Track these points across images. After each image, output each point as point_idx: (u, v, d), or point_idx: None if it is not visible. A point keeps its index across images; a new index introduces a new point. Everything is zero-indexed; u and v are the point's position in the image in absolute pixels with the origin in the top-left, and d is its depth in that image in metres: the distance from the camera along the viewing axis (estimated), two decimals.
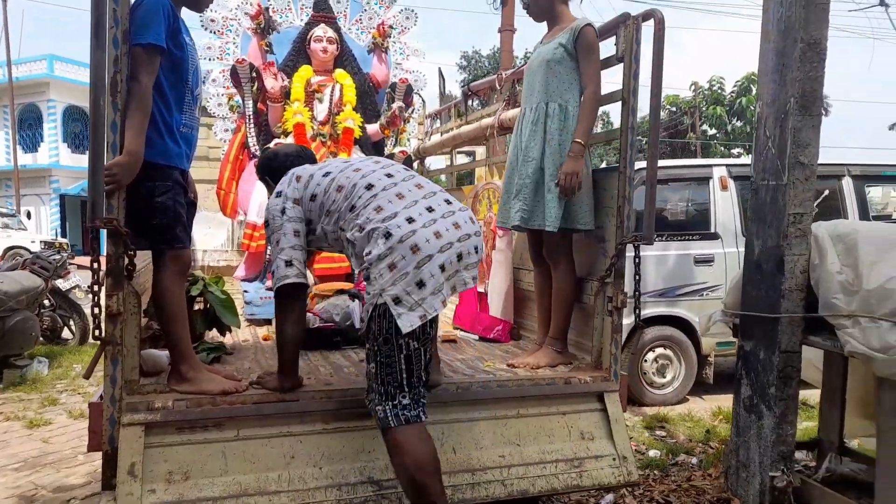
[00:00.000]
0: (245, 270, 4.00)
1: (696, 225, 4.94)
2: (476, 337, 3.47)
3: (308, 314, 3.03)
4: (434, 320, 2.02)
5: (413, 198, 2.00)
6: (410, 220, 1.92)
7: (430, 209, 1.98)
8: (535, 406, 2.49)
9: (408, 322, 1.88)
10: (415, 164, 5.53)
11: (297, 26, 4.32)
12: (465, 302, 3.77)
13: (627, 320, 4.18)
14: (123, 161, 1.95)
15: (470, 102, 4.41)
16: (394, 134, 4.20)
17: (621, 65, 2.64)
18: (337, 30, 4.21)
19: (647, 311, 4.80)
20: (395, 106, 4.10)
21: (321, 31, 4.11)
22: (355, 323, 3.18)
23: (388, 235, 1.89)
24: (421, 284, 1.88)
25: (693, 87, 21.92)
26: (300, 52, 4.20)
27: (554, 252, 2.82)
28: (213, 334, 2.99)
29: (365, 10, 4.52)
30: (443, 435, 2.32)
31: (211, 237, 4.90)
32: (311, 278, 3.65)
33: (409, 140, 4.63)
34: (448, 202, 2.06)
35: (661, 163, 5.24)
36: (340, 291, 3.43)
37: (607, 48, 2.71)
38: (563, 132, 2.69)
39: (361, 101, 4.22)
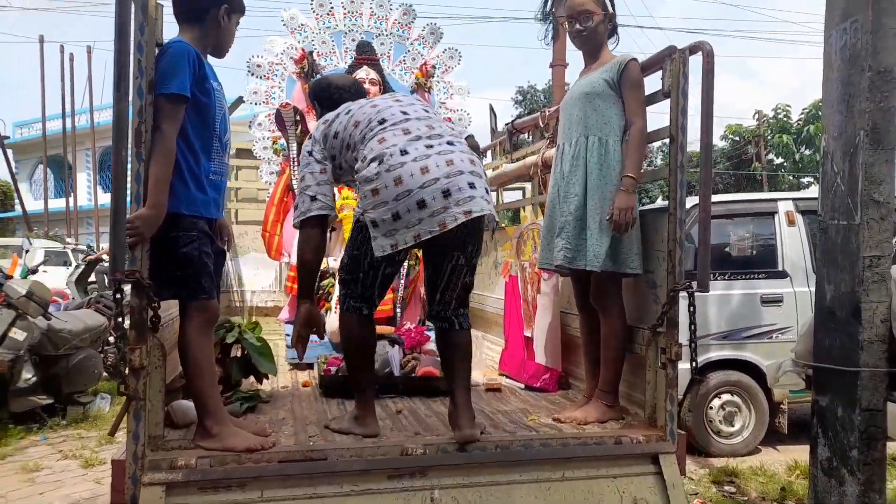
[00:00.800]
0: (289, 313, 3.96)
1: (763, 262, 4.66)
2: (522, 385, 3.29)
3: (343, 363, 2.94)
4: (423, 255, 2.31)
5: (417, 135, 2.13)
6: (404, 153, 2.06)
7: (428, 146, 2.10)
8: (583, 468, 2.28)
9: (379, 246, 2.10)
10: None
11: (341, 69, 4.33)
12: (512, 347, 3.60)
13: (688, 364, 3.93)
14: (146, 213, 1.91)
15: (515, 140, 4.30)
16: None
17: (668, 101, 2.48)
18: (379, 71, 4.20)
19: (711, 355, 4.52)
20: None
21: (363, 73, 4.10)
22: (394, 371, 3.07)
23: (380, 161, 2.06)
24: (396, 217, 2.04)
25: (757, 116, 21.21)
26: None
27: (601, 296, 2.64)
28: (250, 381, 2.92)
29: (408, 51, 4.51)
30: (479, 499, 2.15)
31: (259, 278, 4.91)
32: None
33: None
34: (451, 143, 2.16)
35: (722, 197, 5.01)
36: (380, 336, 3.33)
37: (652, 83, 2.56)
38: (604, 167, 2.55)
39: None
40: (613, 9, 2.71)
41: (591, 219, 2.55)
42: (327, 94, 2.58)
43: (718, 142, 23.20)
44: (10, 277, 5.11)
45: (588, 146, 2.59)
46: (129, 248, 1.90)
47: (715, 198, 5.01)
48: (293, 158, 4.03)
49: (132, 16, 1.91)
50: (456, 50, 4.60)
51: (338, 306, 3.42)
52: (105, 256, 6.17)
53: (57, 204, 21.14)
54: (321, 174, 2.28)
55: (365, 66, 4.14)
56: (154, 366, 1.99)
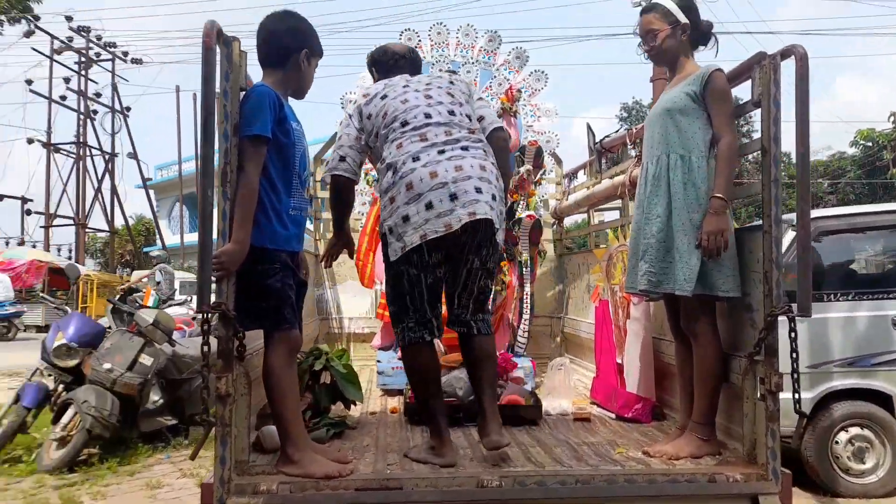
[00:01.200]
0: (381, 339, 4.04)
1: (895, 281, 4.21)
2: (613, 415, 3.15)
3: None
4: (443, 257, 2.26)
5: (433, 142, 2.22)
6: (416, 160, 2.19)
7: (441, 152, 2.20)
8: None
9: (392, 251, 2.23)
10: (553, 226, 5.37)
11: None
12: (603, 374, 3.47)
13: (808, 394, 3.58)
14: (231, 249, 2.02)
15: (605, 159, 4.18)
16: (523, 198, 4.07)
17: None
18: None
19: (835, 384, 4.10)
20: (522, 170, 3.99)
21: None
22: None
23: (394, 171, 2.21)
24: (406, 219, 2.17)
25: (893, 118, 19.36)
26: None
27: (692, 322, 2.48)
28: (338, 407, 2.99)
29: (494, 77, 4.52)
30: None
31: (356, 305, 5.06)
32: (440, 346, 3.58)
33: (539, 203, 4.48)
34: (465, 149, 2.24)
35: (848, 210, 4.59)
36: None
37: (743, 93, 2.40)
38: (688, 185, 2.42)
39: None
40: (692, 16, 2.58)
41: (678, 240, 2.42)
42: (384, 59, 2.68)
43: (848, 148, 21.38)
44: (145, 307, 5.58)
45: (670, 164, 2.47)
46: (216, 281, 2.01)
47: (840, 210, 4.62)
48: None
49: (217, 65, 2.05)
50: (542, 72, 4.56)
51: None
52: (136, 284, 6.56)
53: (192, 238, 23.02)
54: (356, 141, 2.42)
55: None
56: (240, 393, 2.09)
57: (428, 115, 2.29)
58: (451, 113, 2.34)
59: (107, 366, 4.81)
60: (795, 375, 2.21)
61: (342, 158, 2.42)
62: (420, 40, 4.55)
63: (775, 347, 2.25)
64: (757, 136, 2.46)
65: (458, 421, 2.92)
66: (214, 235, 2.01)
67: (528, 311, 3.90)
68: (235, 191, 2.06)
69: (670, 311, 2.67)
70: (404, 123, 2.28)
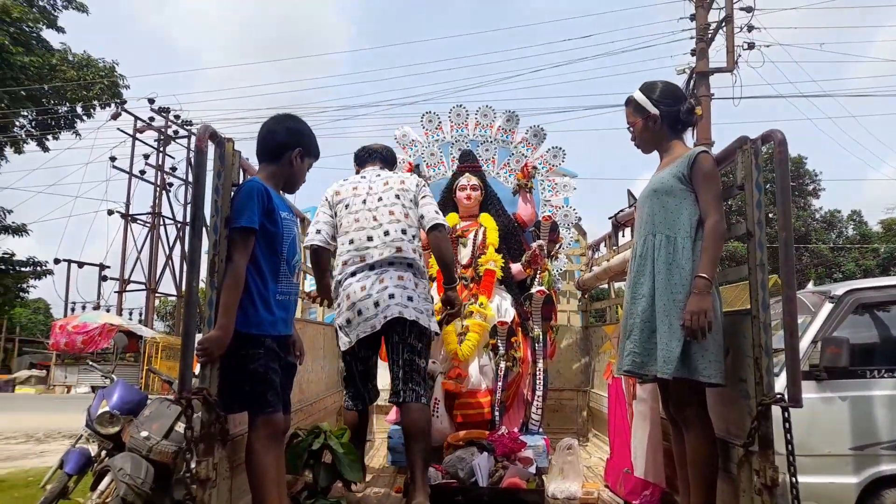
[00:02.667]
0: (395, 413, 4.02)
1: None
2: (621, 501, 2.99)
3: (430, 468, 2.90)
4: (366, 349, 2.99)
5: (368, 261, 2.87)
6: (353, 275, 2.88)
7: (371, 267, 2.87)
8: None
9: (341, 343, 2.96)
10: (579, 298, 5.29)
11: (447, 178, 4.53)
12: (616, 456, 3.33)
13: (853, 479, 3.29)
14: (214, 335, 2.10)
15: (620, 233, 4.14)
16: (537, 273, 4.05)
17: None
18: (481, 177, 4.32)
19: (882, 468, 3.72)
20: (534, 245, 3.99)
21: (465, 180, 4.25)
22: (479, 480, 2.95)
23: (338, 284, 2.93)
24: (348, 322, 2.87)
25: None
26: (447, 201, 4.36)
27: (680, 407, 2.39)
28: (339, 487, 2.97)
29: (512, 154, 4.60)
30: None
31: (379, 377, 5.06)
32: (446, 423, 3.54)
33: (556, 277, 4.44)
34: (391, 263, 2.87)
35: (889, 281, 4.30)
36: (471, 442, 3.25)
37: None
38: (673, 266, 2.37)
39: (506, 242, 4.19)
40: (665, 105, 2.54)
41: (659, 321, 2.35)
42: (362, 154, 3.27)
43: None
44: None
45: (656, 244, 2.44)
46: (200, 367, 2.08)
47: (882, 281, 4.32)
48: None
49: (217, 161, 2.19)
50: (560, 149, 4.61)
51: (435, 409, 3.44)
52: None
53: None
54: (330, 218, 3.05)
55: (467, 174, 4.29)
56: (222, 477, 2.12)
57: (370, 238, 2.91)
58: (387, 233, 2.91)
59: (144, 433, 4.93)
60: (792, 469, 2.07)
61: (318, 231, 3.04)
62: (441, 122, 4.71)
63: (770, 438, 2.13)
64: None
65: None
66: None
67: (542, 387, 3.82)
68: (222, 279, 2.15)
69: (662, 393, 2.57)
70: (351, 241, 2.94)
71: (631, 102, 2.60)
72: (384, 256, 2.85)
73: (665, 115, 2.53)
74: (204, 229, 2.16)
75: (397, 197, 2.98)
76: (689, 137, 2.66)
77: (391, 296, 2.80)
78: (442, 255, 2.95)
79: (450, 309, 3.09)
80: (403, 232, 2.92)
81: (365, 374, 3.05)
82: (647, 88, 2.58)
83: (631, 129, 2.63)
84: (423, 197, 3.03)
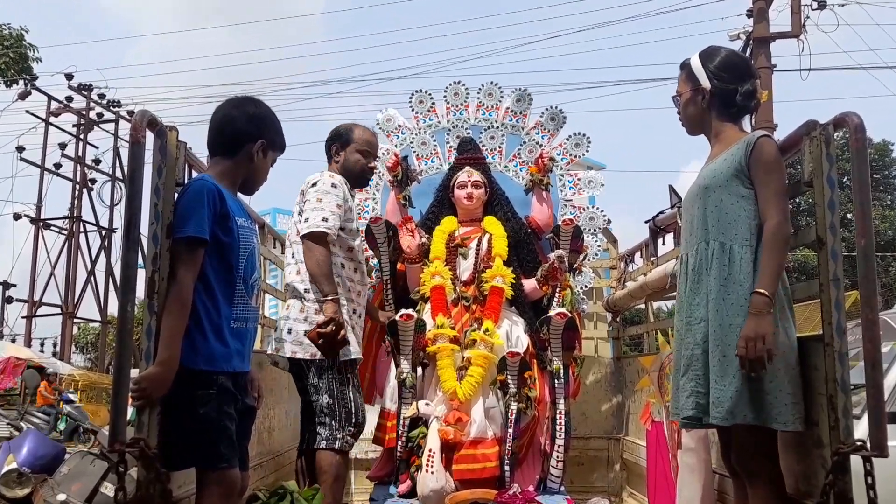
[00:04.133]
0: (377, 468, 4.03)
1: None
2: None
3: None
4: None
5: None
6: None
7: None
8: None
9: None
10: (609, 321, 5.32)
11: (443, 172, 4.57)
12: None
13: None
14: (154, 372, 2.12)
15: (660, 240, 4.19)
16: (556, 291, 4.08)
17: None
18: (485, 171, 4.36)
19: None
20: (552, 256, 4.03)
21: (465, 175, 4.28)
22: None
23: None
24: None
25: None
26: (443, 202, 4.40)
27: (742, 459, 2.43)
28: None
29: (524, 143, 4.64)
30: None
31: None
32: (444, 481, 3.55)
33: (580, 297, 4.47)
34: (286, 290, 3.46)
35: None
36: None
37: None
38: (728, 282, 2.41)
39: (517, 252, 4.23)
40: (724, 80, 2.57)
41: (711, 352, 2.38)
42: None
43: None
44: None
45: (710, 254, 2.47)
46: (136, 411, 2.10)
47: None
48: (386, 280, 4.24)
49: (151, 156, 2.22)
50: (583, 135, 4.66)
51: (429, 463, 3.46)
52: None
53: None
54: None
55: (467, 167, 4.32)
56: None
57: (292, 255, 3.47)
58: (292, 255, 3.48)
59: (61, 497, 4.94)
60: None
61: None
62: (434, 102, 4.75)
63: (848, 496, 2.15)
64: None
65: None
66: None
67: (563, 435, 3.83)
68: (164, 302, 2.18)
69: (722, 440, 2.60)
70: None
71: (685, 67, 2.65)
72: (286, 282, 3.42)
73: (718, 92, 2.56)
74: (141, 240, 2.18)
75: (300, 210, 3.40)
76: (748, 123, 2.70)
77: (275, 329, 3.38)
78: (309, 271, 3.29)
79: (320, 329, 3.11)
80: (293, 256, 3.43)
81: (302, 412, 3.36)
82: (706, 55, 2.62)
83: (678, 98, 2.66)
84: (307, 201, 3.36)
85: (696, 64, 2.61)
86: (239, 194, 2.54)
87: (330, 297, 3.16)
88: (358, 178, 3.66)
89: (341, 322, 3.14)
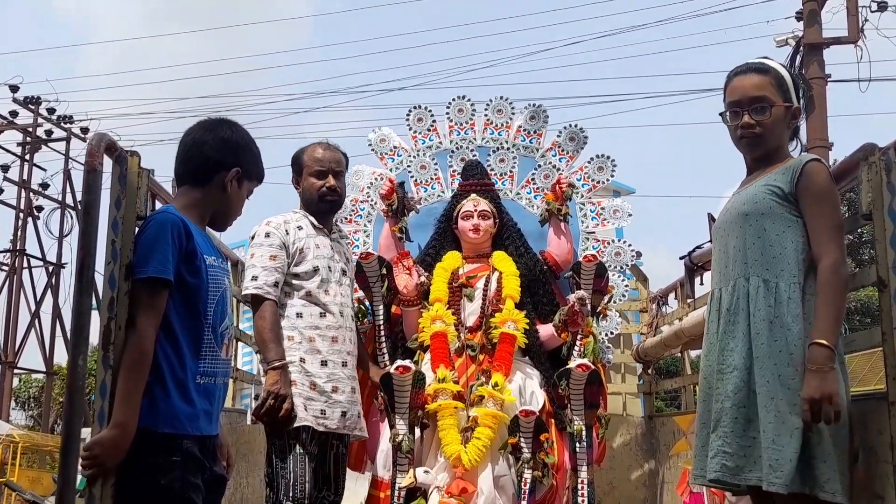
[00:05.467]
0: None
1: None
2: None
3: None
4: None
5: None
6: None
7: None
8: None
9: None
10: (639, 374, 5.32)
11: (446, 200, 4.61)
12: None
13: None
14: (108, 437, 2.12)
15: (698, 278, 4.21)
16: (577, 338, 4.09)
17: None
18: (493, 199, 4.40)
19: None
20: (572, 298, 4.03)
21: (471, 204, 4.31)
22: None
23: None
24: None
25: None
26: (445, 235, 4.43)
27: None
28: None
29: (539, 167, 4.69)
30: None
31: (352, 496, 5.04)
32: None
33: (604, 345, 4.48)
34: None
35: None
36: None
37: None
38: (775, 326, 2.43)
39: (531, 293, 4.25)
40: (802, 100, 2.68)
41: (763, 407, 2.39)
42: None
43: None
44: None
45: (750, 293, 2.49)
46: (87, 481, 2.11)
47: None
48: (379, 326, 4.25)
49: (110, 185, 2.26)
50: (607, 158, 4.70)
51: None
52: None
53: None
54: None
55: (473, 195, 4.37)
56: None
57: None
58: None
59: None
60: None
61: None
62: (435, 121, 4.81)
63: None
64: None
65: None
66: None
67: None
68: (121, 354, 2.19)
69: None
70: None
71: (773, 73, 2.65)
72: None
73: (799, 114, 2.66)
74: (96, 281, 2.21)
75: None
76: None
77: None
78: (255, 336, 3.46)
79: (260, 401, 3.26)
80: None
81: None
82: (787, 69, 2.70)
83: (758, 106, 2.62)
84: (252, 256, 3.50)
85: (786, 74, 2.65)
86: (209, 229, 2.57)
87: (271, 366, 3.26)
88: (318, 205, 3.66)
89: (283, 394, 3.22)
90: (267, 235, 3.48)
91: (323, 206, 3.66)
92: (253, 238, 3.52)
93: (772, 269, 2.49)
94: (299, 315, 3.47)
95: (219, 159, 2.50)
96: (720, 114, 2.73)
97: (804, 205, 2.48)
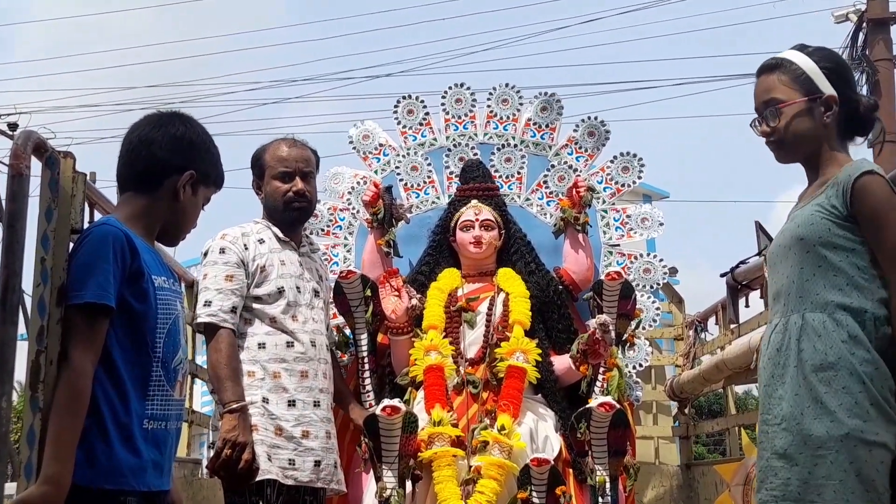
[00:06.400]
0: None
1: None
2: None
3: None
4: None
5: None
6: None
7: None
8: None
9: None
10: (672, 410, 5.30)
11: (441, 207, 4.60)
12: None
13: None
14: (37, 495, 2.10)
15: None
16: (599, 372, 4.08)
17: None
18: (498, 206, 4.40)
19: None
20: (593, 323, 4.02)
21: (472, 212, 4.30)
22: None
23: None
24: None
25: None
26: (441, 249, 4.42)
27: None
28: None
29: (553, 167, 4.68)
30: None
31: None
32: None
33: (631, 380, 4.47)
34: None
35: None
36: None
37: None
38: (834, 372, 2.40)
39: (544, 319, 4.25)
40: (845, 89, 2.64)
41: (843, 471, 2.37)
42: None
43: None
44: None
45: (802, 331, 2.49)
46: None
47: None
48: (363, 358, 4.24)
49: (39, 192, 2.25)
50: (633, 156, 4.71)
51: None
52: None
53: None
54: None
55: (474, 201, 4.36)
56: None
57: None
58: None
59: None
60: None
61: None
62: (428, 113, 4.82)
63: None
64: None
65: None
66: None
67: None
68: (52, 395, 2.18)
69: None
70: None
71: (786, 66, 2.65)
72: None
73: (845, 102, 2.59)
74: (20, 307, 2.20)
75: None
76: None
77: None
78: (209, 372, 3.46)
79: (215, 451, 3.25)
80: None
81: None
82: (817, 53, 2.65)
83: (770, 111, 2.65)
84: (203, 276, 3.53)
85: (806, 62, 2.64)
86: (158, 244, 2.56)
87: (228, 409, 3.23)
88: (284, 214, 3.67)
89: (242, 441, 3.19)
90: (222, 251, 3.46)
91: (289, 214, 3.66)
92: (206, 255, 3.51)
93: (838, 298, 2.47)
94: (262, 346, 3.46)
95: (170, 161, 2.48)
96: (750, 125, 2.76)
97: (864, 228, 2.47)
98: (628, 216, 4.70)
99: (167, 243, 2.59)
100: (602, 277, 4.27)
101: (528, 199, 4.70)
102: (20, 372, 2.35)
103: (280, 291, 3.52)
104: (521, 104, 4.80)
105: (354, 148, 4.83)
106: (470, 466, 3.82)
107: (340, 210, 4.77)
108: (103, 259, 2.26)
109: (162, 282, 2.41)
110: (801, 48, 2.69)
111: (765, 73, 2.72)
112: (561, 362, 4.18)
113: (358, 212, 4.65)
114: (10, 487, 2.43)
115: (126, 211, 2.47)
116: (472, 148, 4.75)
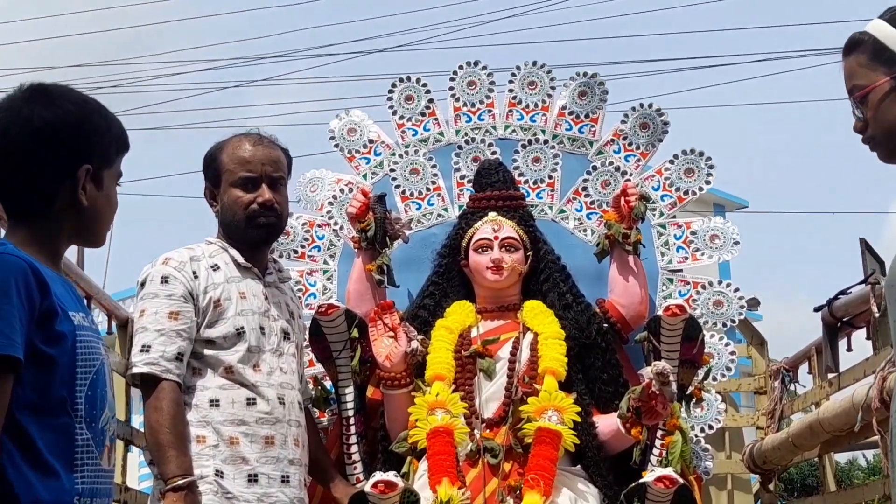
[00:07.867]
0: None
1: None
2: None
3: None
4: None
5: None
6: None
7: None
8: None
9: None
10: (752, 486, 5.28)
11: (450, 221, 4.60)
12: None
13: None
14: None
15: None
16: (656, 436, 4.08)
17: None
18: (524, 220, 4.40)
19: None
20: (648, 373, 4.01)
21: (489, 228, 4.29)
22: None
23: None
24: None
25: None
26: (451, 276, 4.42)
27: None
28: None
29: (595, 169, 4.68)
30: None
31: None
32: None
33: (703, 448, 4.47)
34: None
35: None
36: None
37: None
38: None
39: (584, 367, 4.26)
40: None
41: None
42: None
43: None
44: None
45: None
46: None
47: None
48: (348, 417, 4.24)
49: None
50: (700, 155, 4.70)
51: None
52: None
53: None
54: None
55: (492, 214, 4.37)
56: None
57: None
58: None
59: None
60: None
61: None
62: (433, 99, 4.83)
63: None
64: None
65: None
66: None
67: None
68: None
69: None
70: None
71: (861, 48, 2.69)
72: None
73: None
74: None
75: None
76: None
77: None
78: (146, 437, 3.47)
79: None
80: None
81: None
82: None
83: (855, 100, 2.69)
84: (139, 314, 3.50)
85: (887, 32, 2.65)
86: (70, 267, 2.56)
87: (171, 486, 3.19)
88: (246, 231, 3.62)
89: None
90: (164, 281, 3.42)
91: (252, 232, 3.62)
92: (143, 285, 3.46)
93: None
94: (215, 403, 3.42)
95: (54, 163, 2.43)
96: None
97: None
98: (693, 233, 4.69)
99: (89, 244, 2.55)
100: (659, 312, 4.26)
101: (562, 211, 4.70)
102: None
103: (239, 333, 3.48)
104: (552, 87, 4.81)
105: (337, 145, 4.85)
106: None
107: (319, 226, 4.79)
108: (5, 299, 2.24)
109: (81, 319, 2.39)
110: (889, 12, 2.69)
111: (844, 55, 2.72)
112: (606, 424, 4.17)
113: (342, 228, 4.66)
114: None
115: (21, 235, 2.42)
116: (490, 145, 4.76)
